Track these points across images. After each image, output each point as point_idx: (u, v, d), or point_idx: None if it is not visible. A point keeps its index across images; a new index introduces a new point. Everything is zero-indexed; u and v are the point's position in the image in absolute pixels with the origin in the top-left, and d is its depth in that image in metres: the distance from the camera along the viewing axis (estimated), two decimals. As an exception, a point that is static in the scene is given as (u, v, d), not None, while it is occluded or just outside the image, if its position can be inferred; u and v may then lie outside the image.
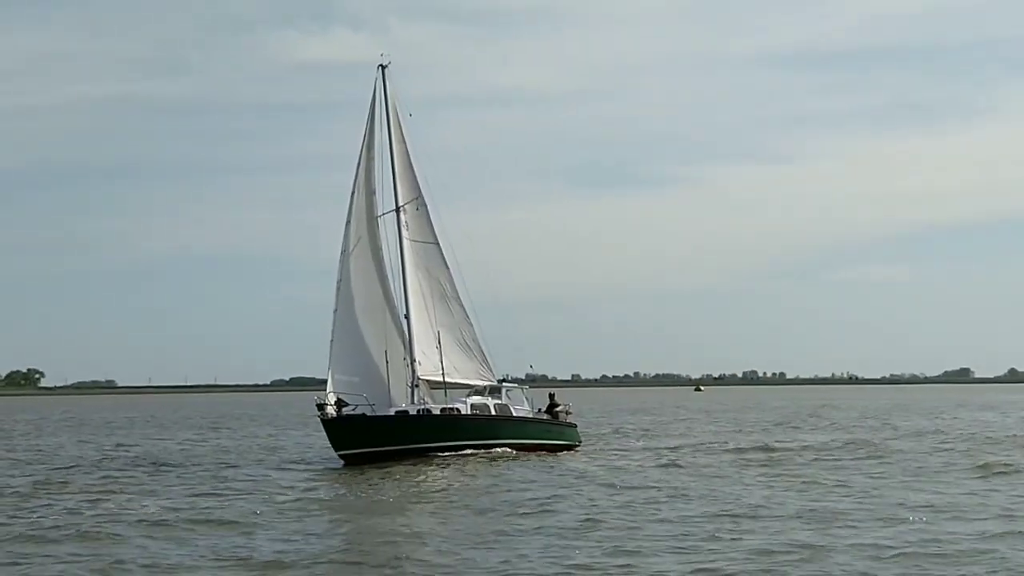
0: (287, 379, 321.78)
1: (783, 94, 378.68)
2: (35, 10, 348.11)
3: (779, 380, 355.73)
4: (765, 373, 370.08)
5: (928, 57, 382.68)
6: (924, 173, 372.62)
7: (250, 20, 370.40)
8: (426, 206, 47.71)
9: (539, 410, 48.36)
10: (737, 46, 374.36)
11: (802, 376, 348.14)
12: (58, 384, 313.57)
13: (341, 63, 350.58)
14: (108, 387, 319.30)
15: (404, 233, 47.17)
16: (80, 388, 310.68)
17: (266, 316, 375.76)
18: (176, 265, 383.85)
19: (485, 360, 48.18)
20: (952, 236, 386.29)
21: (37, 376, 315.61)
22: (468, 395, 46.93)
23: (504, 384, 48.31)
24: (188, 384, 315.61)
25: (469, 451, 44.35)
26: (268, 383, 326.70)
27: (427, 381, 46.75)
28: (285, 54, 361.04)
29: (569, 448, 47.77)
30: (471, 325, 48.18)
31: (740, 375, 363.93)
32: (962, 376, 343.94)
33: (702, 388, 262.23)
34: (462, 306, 48.11)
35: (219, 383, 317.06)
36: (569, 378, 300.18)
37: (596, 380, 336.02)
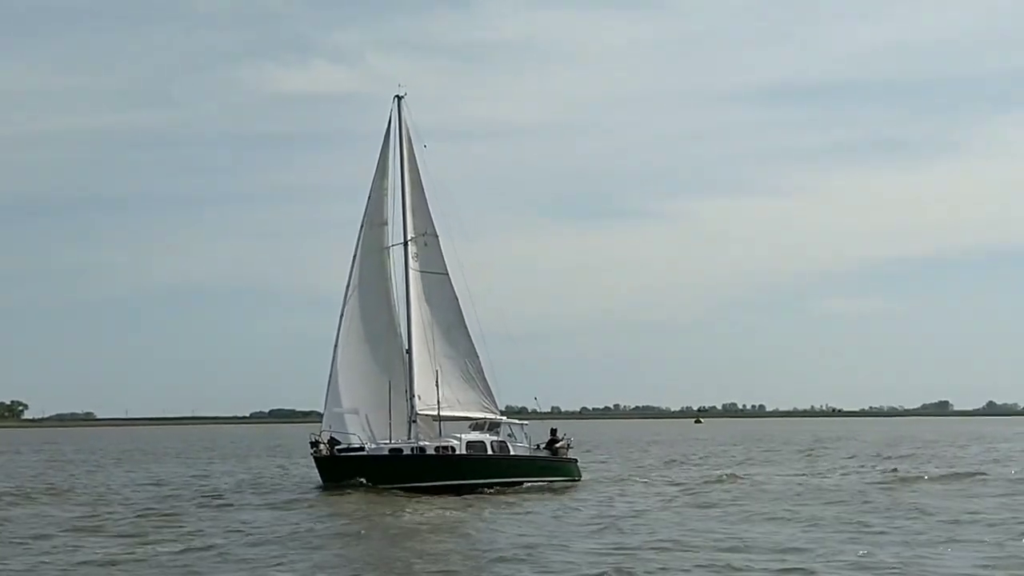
0: (267, 411, 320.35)
1: (762, 129, 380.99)
2: (15, 43, 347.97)
3: (759, 412, 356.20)
4: (745, 406, 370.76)
5: (905, 93, 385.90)
6: (901, 207, 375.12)
7: (230, 53, 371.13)
8: (436, 238, 47.61)
9: (538, 446, 48.39)
10: (717, 82, 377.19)
11: (781, 408, 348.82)
12: (36, 416, 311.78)
13: (319, 95, 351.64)
14: (87, 420, 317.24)
15: (412, 265, 47.12)
16: (62, 420, 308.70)
17: (244, 347, 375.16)
18: (154, 297, 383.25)
19: (488, 392, 48.07)
20: (929, 269, 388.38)
21: (21, 408, 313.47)
22: (469, 428, 47.01)
23: (503, 419, 48.26)
24: (166, 416, 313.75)
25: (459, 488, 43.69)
26: (248, 415, 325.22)
27: (427, 416, 46.78)
28: (264, 86, 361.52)
29: (568, 484, 47.73)
30: (477, 357, 48.01)
31: (720, 407, 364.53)
32: (941, 409, 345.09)
33: (702, 420, 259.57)
34: (468, 337, 47.96)
35: (197, 415, 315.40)
36: (549, 410, 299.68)
37: (577, 412, 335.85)
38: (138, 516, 36.64)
